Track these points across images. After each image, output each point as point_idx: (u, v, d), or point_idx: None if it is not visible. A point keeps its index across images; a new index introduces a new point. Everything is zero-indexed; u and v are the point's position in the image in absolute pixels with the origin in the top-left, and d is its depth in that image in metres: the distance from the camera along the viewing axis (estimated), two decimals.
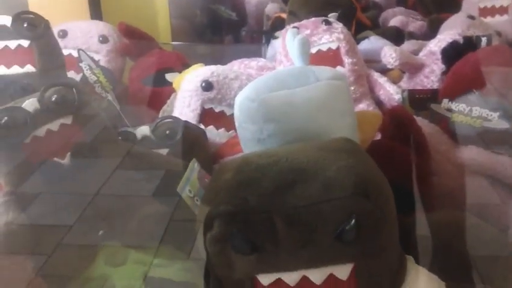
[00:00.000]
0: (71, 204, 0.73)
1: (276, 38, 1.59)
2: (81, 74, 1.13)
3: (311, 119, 0.76)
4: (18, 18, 0.94)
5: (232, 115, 1.09)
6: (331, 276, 0.58)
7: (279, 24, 1.78)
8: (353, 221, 0.56)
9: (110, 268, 0.71)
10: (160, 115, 1.20)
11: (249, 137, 0.80)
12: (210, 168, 0.96)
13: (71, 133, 0.76)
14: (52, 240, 0.72)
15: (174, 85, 1.20)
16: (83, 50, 1.13)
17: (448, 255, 0.74)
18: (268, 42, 1.71)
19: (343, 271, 0.58)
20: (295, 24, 1.30)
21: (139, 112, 1.23)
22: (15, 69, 0.92)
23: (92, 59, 1.16)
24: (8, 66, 0.93)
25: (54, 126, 0.75)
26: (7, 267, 0.69)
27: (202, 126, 1.10)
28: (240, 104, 0.80)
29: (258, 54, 1.70)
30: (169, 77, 1.27)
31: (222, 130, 1.10)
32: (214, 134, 1.10)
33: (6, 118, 0.74)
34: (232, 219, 0.59)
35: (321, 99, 0.77)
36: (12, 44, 0.93)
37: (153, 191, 0.82)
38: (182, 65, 1.31)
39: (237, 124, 0.83)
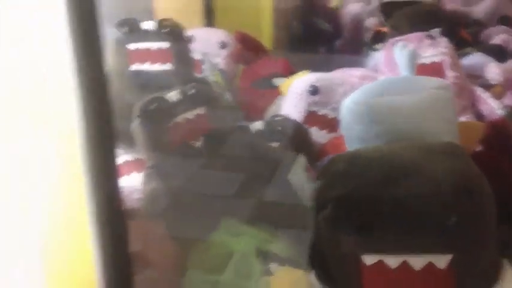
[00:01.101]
0: (200, 177, 0.86)
1: (375, 50, 1.67)
2: (203, 75, 1.28)
3: (415, 124, 0.83)
4: (161, 24, 1.10)
5: (334, 118, 1.19)
6: (430, 264, 0.65)
7: (378, 37, 1.85)
8: (456, 217, 0.63)
9: (229, 237, 0.83)
10: (266, 115, 1.32)
11: (354, 137, 0.89)
12: (314, 164, 1.06)
13: (204, 121, 0.90)
14: (183, 208, 0.86)
15: (281, 89, 1.32)
16: (206, 54, 1.29)
17: None
18: (367, 54, 1.79)
19: (442, 260, 0.64)
20: (399, 38, 1.37)
21: (248, 111, 1.36)
22: (157, 67, 1.09)
23: (211, 62, 1.32)
24: (151, 63, 1.09)
25: (191, 115, 0.90)
26: (149, 228, 0.84)
27: (306, 127, 1.20)
28: (348, 107, 0.90)
29: (356, 64, 1.78)
30: (276, 81, 1.39)
31: (324, 132, 1.20)
32: (317, 135, 1.20)
33: (155, 105, 0.89)
34: (344, 203, 0.68)
35: (425, 107, 0.84)
36: (155, 45, 1.09)
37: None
38: (288, 72, 1.43)
39: (343, 125, 0.93)
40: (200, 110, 0.90)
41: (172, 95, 0.91)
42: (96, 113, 0.58)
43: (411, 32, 1.42)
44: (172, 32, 1.10)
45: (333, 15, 2.50)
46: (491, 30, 2.00)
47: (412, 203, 0.65)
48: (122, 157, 1.02)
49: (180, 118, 0.89)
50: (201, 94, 0.92)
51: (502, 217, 0.79)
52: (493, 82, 1.20)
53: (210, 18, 1.99)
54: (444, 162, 0.68)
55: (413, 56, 0.93)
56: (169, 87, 0.98)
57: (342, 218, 0.68)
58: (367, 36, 2.11)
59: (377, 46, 1.67)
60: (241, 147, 0.94)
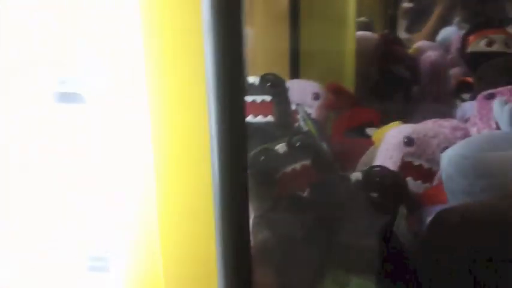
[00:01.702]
0: (308, 226, 0.91)
1: (463, 100, 1.68)
2: (297, 124, 1.35)
3: None
4: (263, 78, 1.19)
5: (429, 169, 1.22)
6: None
7: (464, 88, 1.86)
8: None
9: (338, 287, 0.87)
10: (358, 165, 1.36)
11: (458, 190, 0.91)
12: (412, 214, 1.08)
13: (310, 172, 0.95)
14: (291, 255, 0.90)
15: (373, 138, 1.36)
16: (300, 105, 1.36)
17: None
18: (453, 104, 1.80)
19: None
20: (491, 90, 1.38)
21: (341, 160, 1.41)
22: (259, 118, 1.17)
23: (305, 112, 1.39)
24: (255, 115, 1.18)
25: (297, 166, 0.96)
26: (259, 273, 0.89)
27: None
28: (451, 160, 0.92)
29: (442, 114, 1.78)
30: (369, 131, 1.44)
31: (419, 182, 1.22)
32: (411, 185, 1.22)
33: (263, 157, 0.96)
34: (458, 258, 0.71)
35: None
36: (259, 98, 1.18)
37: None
38: (378, 121, 1.47)
39: (445, 178, 0.95)
40: (306, 161, 0.96)
41: (280, 147, 0.98)
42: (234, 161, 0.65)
43: (498, 83, 1.43)
44: (274, 85, 1.19)
45: (411, 62, 2.52)
46: None
47: None
48: None
49: (287, 169, 0.95)
50: (307, 146, 0.98)
51: None
52: None
53: (295, 65, 2.09)
54: None
55: None
56: (271, 139, 1.05)
57: (457, 273, 0.70)
58: (451, 85, 2.12)
59: (464, 96, 1.68)
60: (344, 197, 0.99)
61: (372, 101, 2.31)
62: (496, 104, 1.01)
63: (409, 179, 1.23)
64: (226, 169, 0.66)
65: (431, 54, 2.56)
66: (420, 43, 2.89)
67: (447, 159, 0.94)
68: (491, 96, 1.39)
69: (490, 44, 1.92)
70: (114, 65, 0.75)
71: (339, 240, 0.91)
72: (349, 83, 2.28)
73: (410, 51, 2.77)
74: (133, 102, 0.74)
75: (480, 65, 1.75)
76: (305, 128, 1.37)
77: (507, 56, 1.72)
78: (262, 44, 1.95)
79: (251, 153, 1.00)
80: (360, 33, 2.50)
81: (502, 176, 0.84)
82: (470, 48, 1.99)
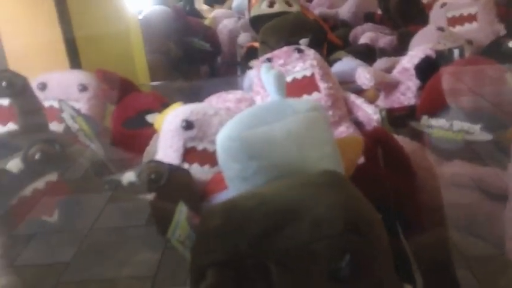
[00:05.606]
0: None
1: (250, 68, 1.61)
2: (64, 124, 1.13)
3: (292, 153, 0.76)
4: None
5: (215, 151, 1.10)
6: None
7: (252, 54, 1.80)
8: (347, 258, 0.56)
9: None
10: (144, 156, 1.20)
11: (233, 176, 0.80)
12: (199, 208, 0.96)
13: (58, 189, 0.76)
14: None
15: (155, 126, 1.21)
16: (63, 101, 1.14)
17: (438, 277, 0.75)
18: (243, 72, 1.73)
19: None
20: (268, 55, 1.32)
21: (124, 155, 1.23)
22: None
23: (72, 108, 1.17)
24: None
25: (40, 184, 0.75)
26: None
27: (186, 165, 1.10)
28: (222, 144, 0.81)
29: (235, 85, 1.71)
30: (149, 118, 1.28)
31: (206, 167, 1.11)
32: (199, 172, 1.10)
33: None
34: (224, 268, 0.59)
35: (300, 132, 0.78)
36: None
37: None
38: (161, 105, 1.31)
39: (220, 163, 0.84)
40: (51, 176, 0.76)
41: (13, 164, 0.76)
42: None
43: (279, 45, 1.39)
44: (11, 85, 0.94)
45: (210, 33, 2.43)
46: (358, 29, 2.04)
47: (295, 253, 0.57)
48: None
49: (26, 191, 0.74)
50: (50, 156, 0.78)
51: (393, 231, 0.75)
52: (365, 87, 1.19)
53: (74, 57, 1.83)
54: (327, 199, 0.61)
55: (279, 77, 0.86)
56: (16, 152, 0.83)
57: (224, 287, 0.59)
58: (241, 52, 2.07)
59: (251, 64, 1.61)
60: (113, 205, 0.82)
61: (170, 78, 2.18)
62: (262, 70, 0.92)
63: (195, 166, 1.12)
64: None
65: (227, 23, 2.50)
66: (215, 12, 2.82)
67: (219, 143, 0.83)
68: (269, 61, 1.34)
69: (271, 4, 1.88)
70: None
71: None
72: (141, 64, 2.10)
73: (207, 22, 2.69)
74: None
75: (261, 29, 1.71)
76: (75, 128, 1.16)
77: (285, 15, 1.69)
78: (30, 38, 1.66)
79: None
80: (153, 8, 2.33)
81: (267, 155, 0.75)
82: (252, 12, 1.94)
